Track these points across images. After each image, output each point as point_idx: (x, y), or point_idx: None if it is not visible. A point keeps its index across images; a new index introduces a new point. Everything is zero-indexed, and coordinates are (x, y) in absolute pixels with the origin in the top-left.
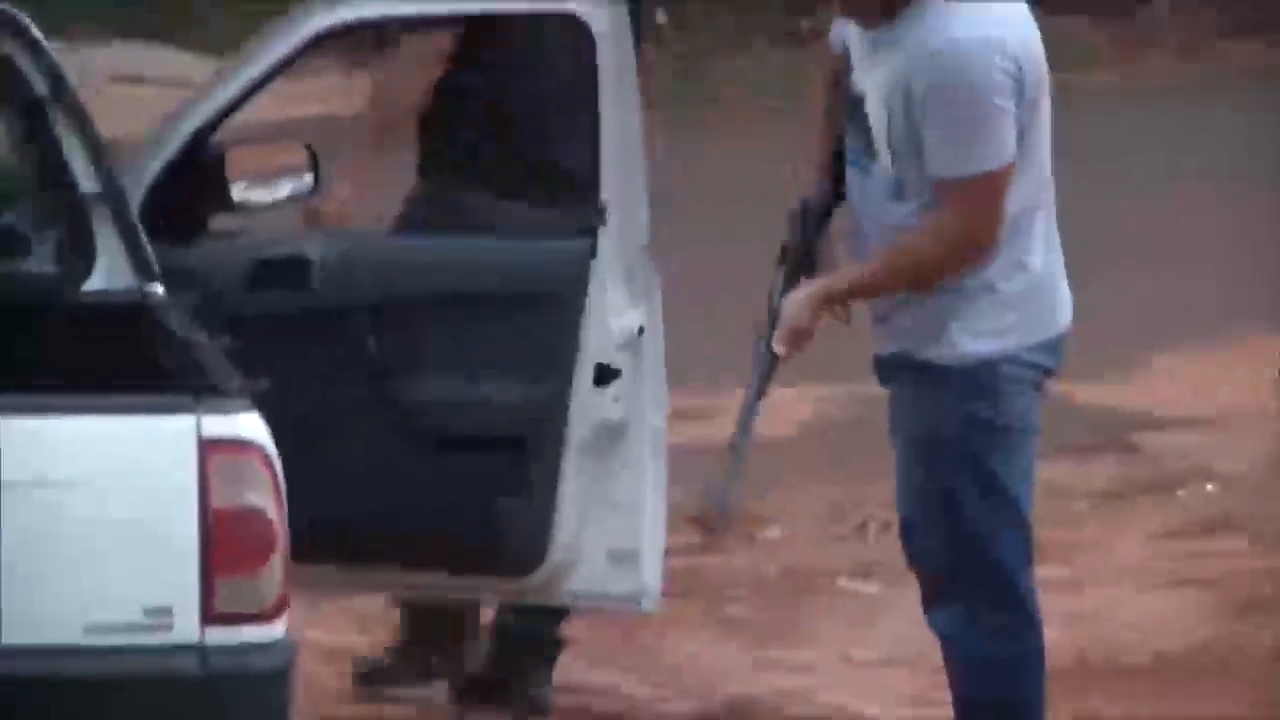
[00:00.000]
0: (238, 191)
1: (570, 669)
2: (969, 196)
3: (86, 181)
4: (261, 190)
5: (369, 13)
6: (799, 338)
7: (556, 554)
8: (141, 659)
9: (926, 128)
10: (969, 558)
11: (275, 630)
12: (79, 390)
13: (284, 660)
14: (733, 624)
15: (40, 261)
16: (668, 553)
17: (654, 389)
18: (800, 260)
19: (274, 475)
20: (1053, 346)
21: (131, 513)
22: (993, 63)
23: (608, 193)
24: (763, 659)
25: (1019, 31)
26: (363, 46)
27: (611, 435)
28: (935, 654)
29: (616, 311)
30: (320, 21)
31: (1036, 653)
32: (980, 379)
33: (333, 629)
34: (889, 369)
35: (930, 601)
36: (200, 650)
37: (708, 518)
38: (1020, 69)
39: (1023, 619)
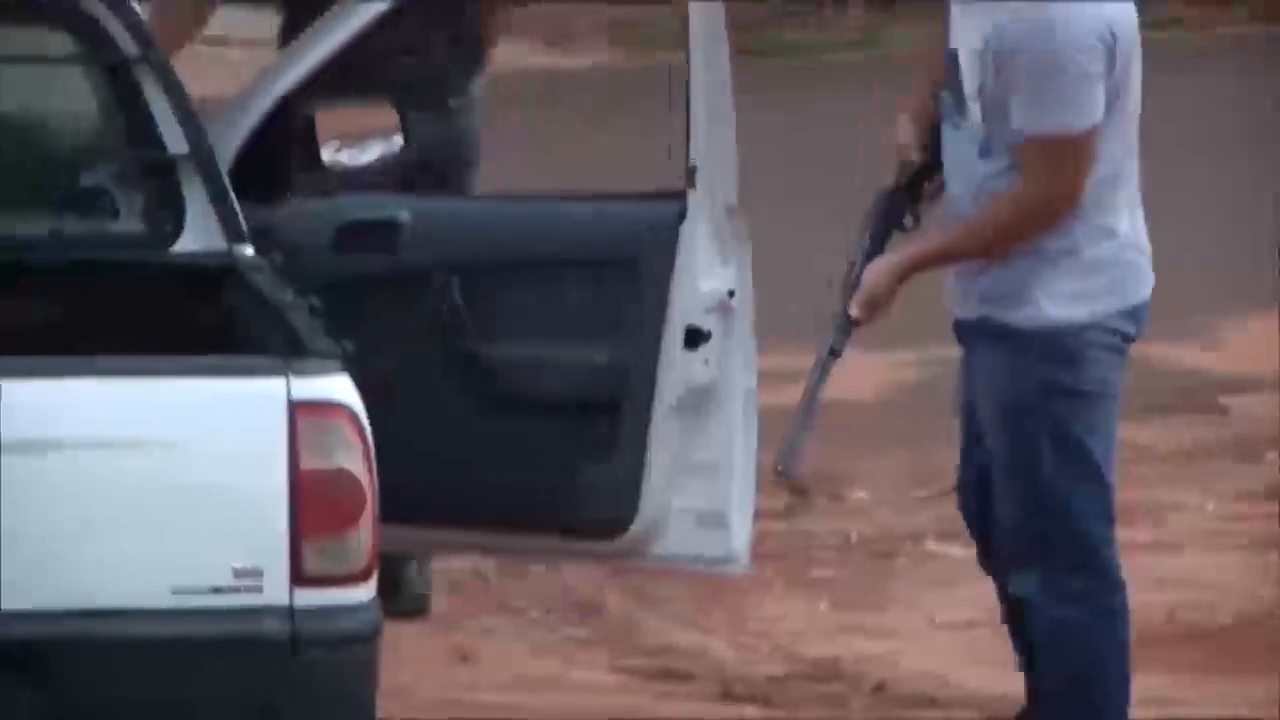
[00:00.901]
0: (327, 152)
1: (658, 630)
2: (1050, 157)
3: (175, 142)
4: (351, 151)
5: None
6: (878, 306)
7: (645, 516)
8: (230, 621)
9: (1014, 84)
10: (1050, 522)
11: (364, 593)
12: (168, 353)
13: (372, 623)
14: (818, 586)
15: (129, 223)
16: (756, 515)
17: (744, 351)
18: (885, 226)
19: (363, 437)
20: (1136, 313)
21: (220, 475)
22: (1086, 26)
23: (696, 154)
24: (848, 622)
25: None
26: None
27: (701, 398)
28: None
29: (706, 274)
30: None
31: (1119, 615)
32: (1062, 344)
33: None
34: (968, 333)
35: (1008, 566)
36: (288, 612)
37: (786, 483)
38: (1114, 36)
39: (1104, 583)
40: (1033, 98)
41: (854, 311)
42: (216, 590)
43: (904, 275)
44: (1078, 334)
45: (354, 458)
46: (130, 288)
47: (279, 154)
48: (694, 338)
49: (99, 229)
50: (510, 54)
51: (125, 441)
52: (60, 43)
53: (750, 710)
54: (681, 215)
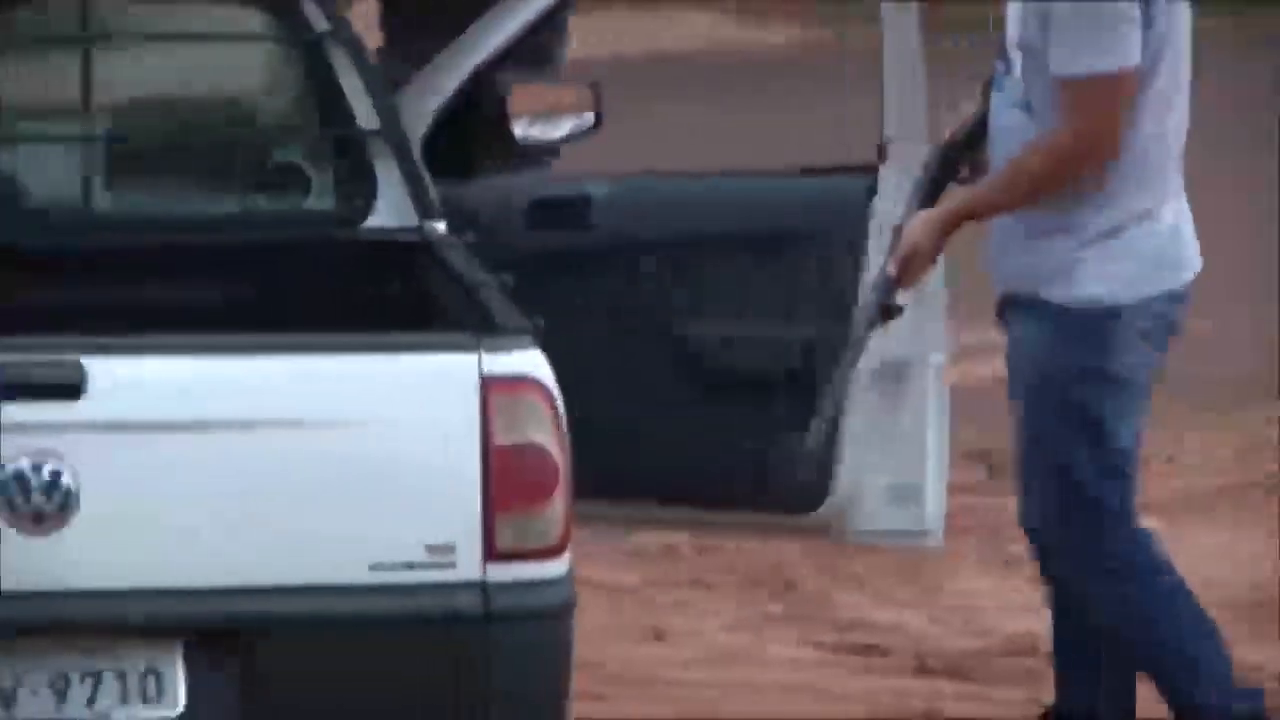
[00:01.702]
0: (519, 129)
1: (852, 605)
2: (1084, 98)
3: (367, 118)
4: (544, 128)
5: None
6: (916, 261)
7: (839, 491)
8: (424, 596)
9: (1051, 27)
10: (1070, 501)
11: (557, 567)
12: (360, 330)
13: (565, 597)
14: (1013, 562)
15: (321, 199)
16: (949, 490)
17: (935, 326)
18: (930, 185)
19: (556, 412)
20: (1178, 297)
21: (414, 451)
22: None
23: (889, 129)
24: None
25: None
26: None
27: (893, 373)
28: (1211, 591)
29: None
30: None
31: (1164, 593)
32: (1098, 325)
33: (616, 565)
34: (1008, 308)
35: (1039, 543)
36: (482, 587)
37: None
38: None
39: (1128, 565)
40: (1067, 38)
41: (890, 269)
42: (410, 566)
43: (943, 229)
44: (1115, 316)
45: (546, 432)
46: (322, 265)
47: (471, 129)
48: (886, 312)
49: (290, 206)
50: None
51: (319, 419)
52: (252, 20)
53: (945, 685)
54: (872, 190)
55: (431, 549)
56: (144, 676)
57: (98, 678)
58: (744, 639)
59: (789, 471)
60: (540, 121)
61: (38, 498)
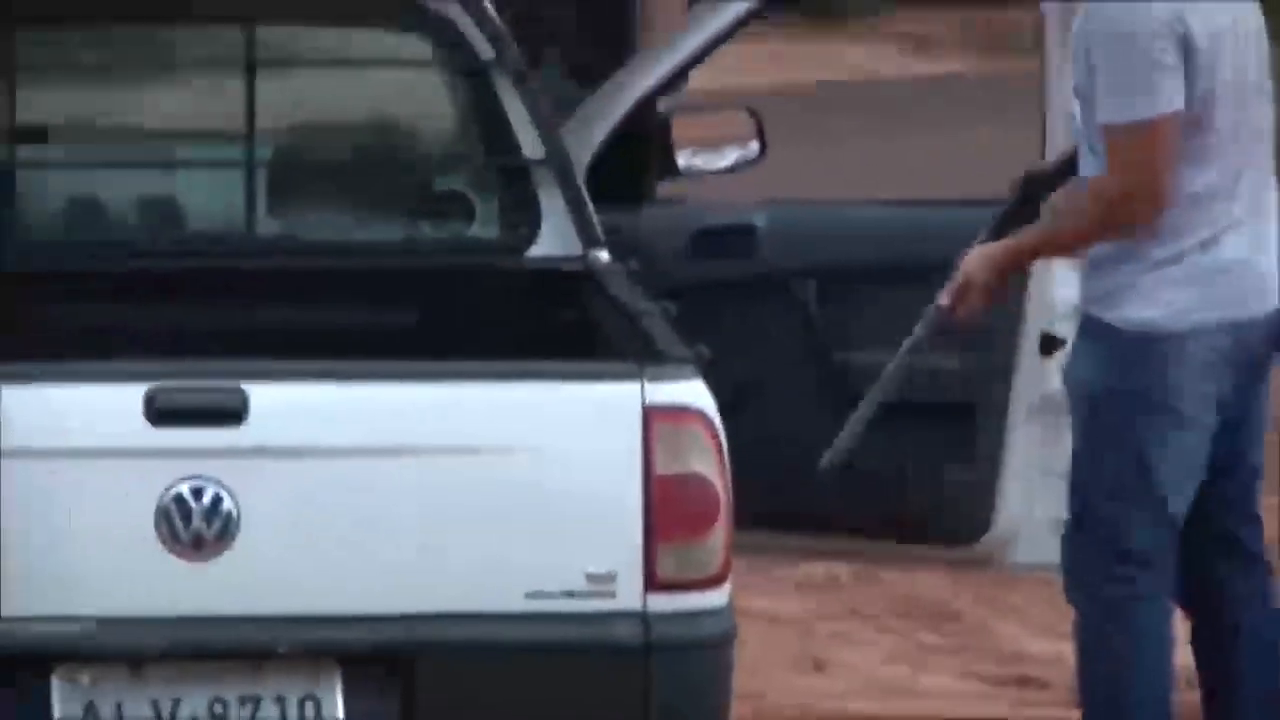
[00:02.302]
0: (683, 158)
1: (1012, 637)
2: (1126, 145)
3: (531, 147)
4: (707, 157)
5: None
6: (970, 293)
7: (1001, 523)
8: (583, 626)
9: (1095, 72)
10: (1088, 523)
11: (717, 597)
12: (523, 357)
13: (725, 627)
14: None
15: (484, 228)
16: None
17: None
18: (1004, 218)
19: (718, 442)
20: (1243, 328)
21: (575, 479)
22: (1149, 13)
23: (1052, 159)
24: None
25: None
26: (806, 14)
27: (1057, 404)
28: None
29: (1060, 280)
30: None
31: (1143, 622)
32: (1148, 349)
33: (776, 595)
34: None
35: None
36: (642, 617)
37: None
38: (1187, 29)
39: (1118, 608)
40: (1107, 84)
41: (942, 299)
42: (571, 595)
43: (999, 265)
44: (1167, 341)
45: (708, 462)
46: (486, 292)
47: (635, 159)
48: (1048, 344)
49: (455, 234)
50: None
51: (479, 446)
52: (417, 46)
53: None
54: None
55: (592, 578)
56: (302, 702)
57: (256, 703)
58: (902, 670)
59: (951, 502)
60: (705, 151)
61: (198, 523)
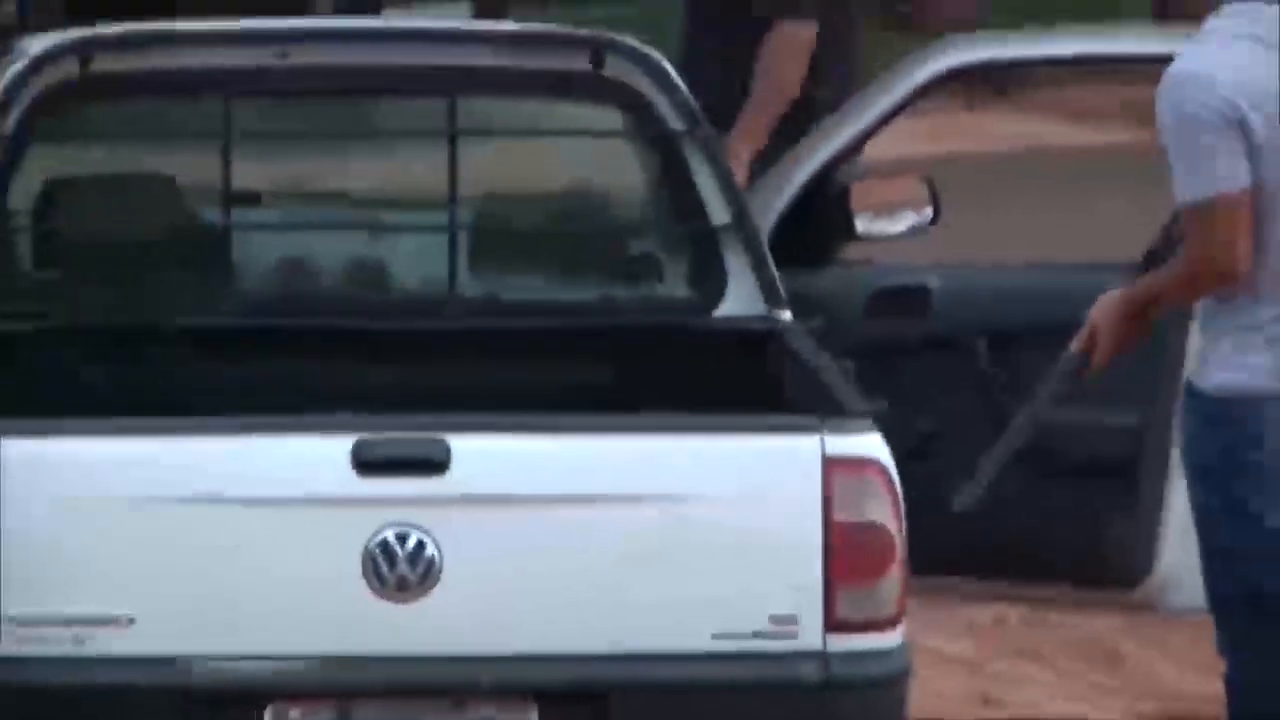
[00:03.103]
0: (861, 223)
1: (1176, 677)
2: (1194, 223)
3: (719, 212)
4: (884, 222)
5: (990, 55)
6: (1099, 340)
7: (1162, 568)
8: (767, 665)
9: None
10: (1220, 582)
11: (893, 638)
12: (710, 410)
13: (901, 667)
14: None
15: (674, 288)
16: None
17: None
18: (1147, 266)
19: (893, 492)
20: None
21: (760, 526)
22: (1195, 97)
23: None
24: None
25: (1242, 73)
26: (980, 87)
27: None
28: None
29: None
30: (943, 62)
31: None
32: (1240, 413)
33: (948, 635)
34: None
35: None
36: (822, 656)
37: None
38: (1239, 108)
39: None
40: (1173, 168)
41: (1074, 346)
42: (755, 635)
43: (1121, 311)
44: (1255, 404)
45: (885, 511)
46: (675, 350)
47: (816, 223)
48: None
49: (646, 294)
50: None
51: (669, 495)
52: (612, 119)
53: None
54: None
55: (775, 619)
56: None
57: None
58: (1070, 708)
59: (1115, 548)
60: (881, 217)
61: (403, 567)
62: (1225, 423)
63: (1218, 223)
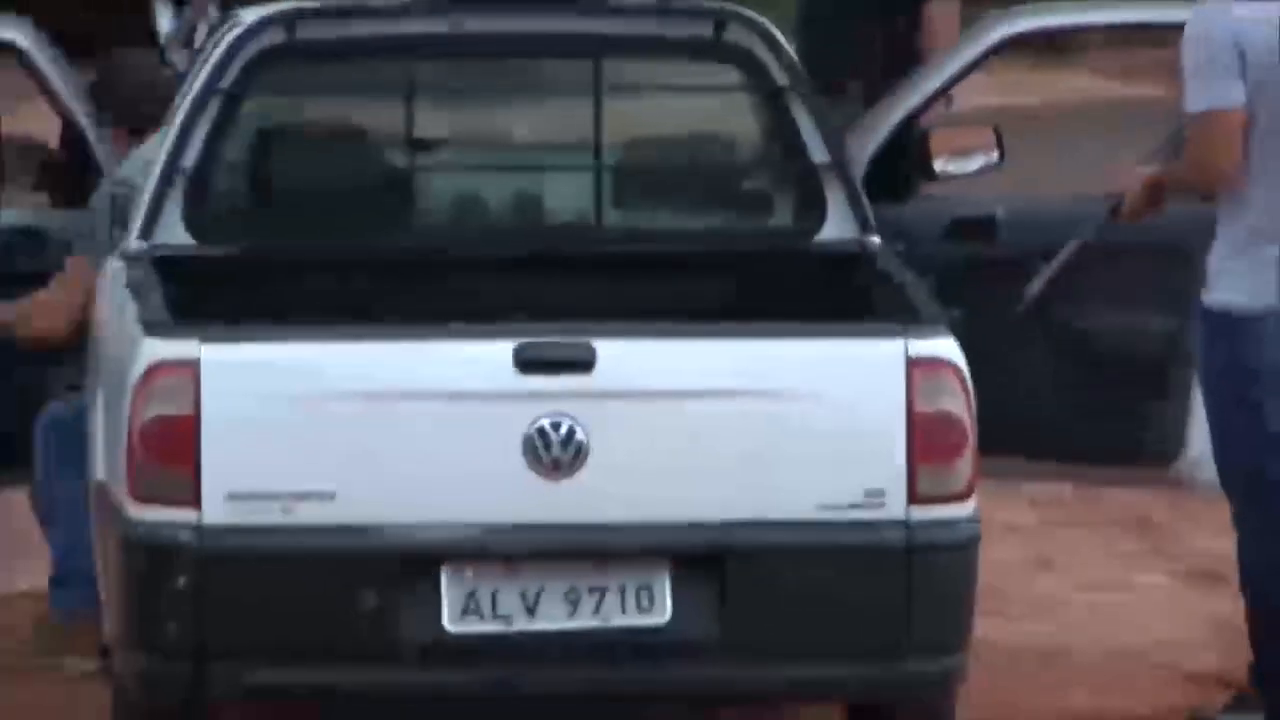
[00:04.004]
0: (939, 164)
1: (1201, 544)
2: (1195, 131)
3: (819, 154)
4: (958, 163)
5: (1047, 22)
6: (1129, 201)
7: (1192, 450)
8: (861, 532)
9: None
10: (1234, 472)
11: (965, 509)
12: (814, 320)
13: (971, 533)
14: None
15: (781, 218)
16: None
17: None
18: (1170, 151)
19: (965, 387)
20: None
21: (855, 416)
22: (1213, 22)
23: None
24: None
25: (1251, 26)
26: (1042, 49)
27: None
28: None
29: None
30: (1005, 29)
31: None
32: (1230, 327)
33: (1012, 509)
34: None
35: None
36: (906, 525)
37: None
38: (1242, 49)
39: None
40: (1184, 83)
41: (1110, 200)
42: (852, 506)
43: (1145, 183)
44: (1244, 321)
45: (958, 403)
46: (783, 270)
47: (901, 163)
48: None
49: (758, 224)
50: (1083, 86)
51: (780, 390)
52: (730, 76)
53: None
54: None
55: (868, 493)
56: (639, 591)
57: (602, 592)
58: (1115, 570)
59: (1151, 433)
60: (956, 158)
61: (556, 450)
62: (1229, 334)
63: (1216, 133)
